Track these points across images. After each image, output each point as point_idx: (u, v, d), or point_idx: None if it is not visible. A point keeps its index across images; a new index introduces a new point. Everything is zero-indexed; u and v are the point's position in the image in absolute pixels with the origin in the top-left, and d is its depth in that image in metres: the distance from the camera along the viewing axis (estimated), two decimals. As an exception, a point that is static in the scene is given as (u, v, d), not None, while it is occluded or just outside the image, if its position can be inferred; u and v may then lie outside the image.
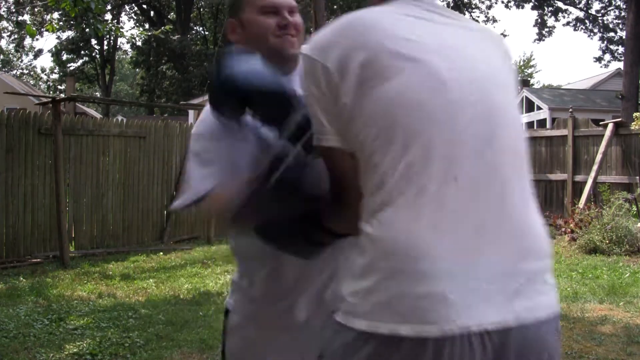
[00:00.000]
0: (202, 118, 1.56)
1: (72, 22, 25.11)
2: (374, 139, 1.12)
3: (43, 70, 43.04)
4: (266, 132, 1.39)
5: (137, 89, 37.35)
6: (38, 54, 47.44)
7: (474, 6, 31.17)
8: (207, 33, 36.79)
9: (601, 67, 48.78)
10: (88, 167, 8.48)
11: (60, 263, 7.48)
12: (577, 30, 30.79)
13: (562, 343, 3.60)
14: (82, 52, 36.56)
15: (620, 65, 26.35)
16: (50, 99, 8.17)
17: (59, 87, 37.84)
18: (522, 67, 51.52)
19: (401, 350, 1.05)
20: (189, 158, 1.54)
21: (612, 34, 29.10)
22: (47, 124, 7.85)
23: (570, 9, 29.33)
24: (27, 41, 34.72)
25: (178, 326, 4.88)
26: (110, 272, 7.09)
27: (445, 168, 1.10)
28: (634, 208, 9.01)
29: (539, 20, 29.58)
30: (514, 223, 1.15)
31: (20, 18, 22.58)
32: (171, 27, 25.63)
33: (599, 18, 29.13)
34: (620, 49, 27.88)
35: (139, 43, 29.97)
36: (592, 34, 29.58)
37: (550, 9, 29.31)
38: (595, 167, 10.03)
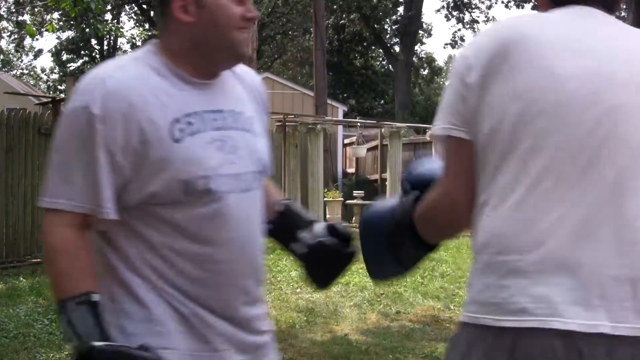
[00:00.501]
0: None
1: (72, 22, 25.18)
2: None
3: (43, 70, 42.82)
4: None
5: (137, 89, 37.26)
6: (38, 54, 47.45)
7: (474, 6, 31.12)
8: (207, 33, 36.76)
9: (601, 67, 48.77)
10: (88, 167, 8.46)
11: (60, 263, 7.46)
12: (577, 30, 30.76)
13: None
14: (82, 52, 36.54)
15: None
16: (50, 99, 8.19)
17: (59, 87, 37.80)
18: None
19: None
20: None
21: (612, 34, 29.15)
22: (47, 124, 7.83)
23: (570, 9, 29.36)
24: (27, 41, 34.68)
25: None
26: (110, 272, 7.08)
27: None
28: None
29: (539, 20, 29.61)
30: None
31: (20, 18, 22.64)
32: (171, 27, 25.59)
33: (599, 18, 29.16)
34: (620, 49, 27.89)
35: (139, 43, 29.99)
36: (592, 34, 29.61)
37: (550, 9, 29.34)
38: None
